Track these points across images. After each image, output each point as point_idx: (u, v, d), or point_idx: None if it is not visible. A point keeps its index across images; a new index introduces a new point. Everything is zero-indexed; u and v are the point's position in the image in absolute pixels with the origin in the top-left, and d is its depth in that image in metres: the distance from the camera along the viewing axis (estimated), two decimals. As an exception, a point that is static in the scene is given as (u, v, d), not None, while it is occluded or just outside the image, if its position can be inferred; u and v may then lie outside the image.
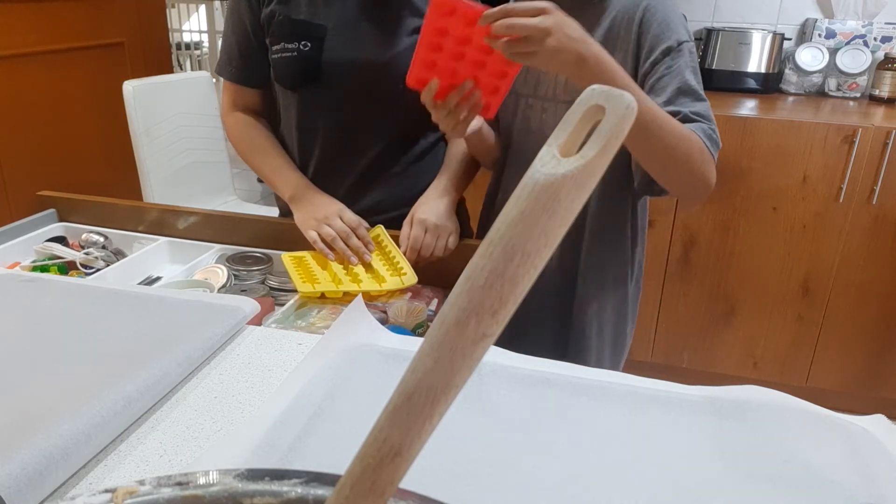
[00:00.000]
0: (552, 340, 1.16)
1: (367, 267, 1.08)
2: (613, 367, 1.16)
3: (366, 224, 1.12)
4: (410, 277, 1.04)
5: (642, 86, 0.96)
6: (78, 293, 0.87)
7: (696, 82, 0.96)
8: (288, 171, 1.18)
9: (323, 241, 1.08)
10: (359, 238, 1.09)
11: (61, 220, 1.26)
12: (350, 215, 1.11)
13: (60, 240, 1.18)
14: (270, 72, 1.18)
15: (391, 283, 1.04)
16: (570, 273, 1.12)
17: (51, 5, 2.33)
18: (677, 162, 0.91)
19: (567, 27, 0.80)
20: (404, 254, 1.08)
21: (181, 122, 2.24)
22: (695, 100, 0.95)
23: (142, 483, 0.35)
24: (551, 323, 1.15)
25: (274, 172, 1.19)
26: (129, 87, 2.07)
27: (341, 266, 1.08)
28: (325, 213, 1.10)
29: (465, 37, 0.88)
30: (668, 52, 0.95)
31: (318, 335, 0.82)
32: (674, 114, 0.93)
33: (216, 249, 1.17)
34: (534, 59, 0.81)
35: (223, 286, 1.05)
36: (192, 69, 4.32)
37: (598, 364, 1.12)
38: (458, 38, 0.88)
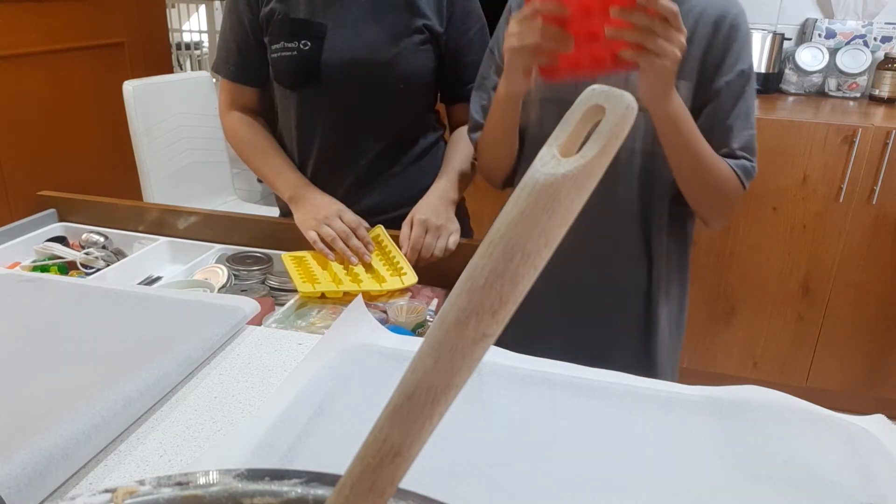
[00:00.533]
0: (632, 361, 1.11)
1: (367, 267, 1.08)
2: (672, 378, 1.14)
3: (366, 224, 1.12)
4: (410, 277, 1.04)
5: (705, 98, 0.97)
6: (78, 293, 0.87)
7: (754, 110, 0.99)
8: (287, 172, 1.18)
9: (323, 241, 1.08)
10: (359, 238, 1.09)
11: (61, 220, 1.26)
12: (350, 215, 1.11)
13: (60, 240, 1.18)
14: (269, 71, 1.18)
15: (391, 283, 1.04)
16: (642, 292, 1.10)
17: (51, 5, 2.33)
18: (709, 196, 0.99)
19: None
20: (405, 254, 1.08)
21: (181, 122, 2.24)
22: (749, 128, 0.98)
23: (142, 483, 0.35)
24: (632, 342, 1.12)
25: (273, 173, 1.19)
26: (129, 87, 2.07)
27: (341, 266, 1.08)
28: (325, 214, 1.10)
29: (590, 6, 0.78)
30: (742, 74, 0.95)
31: (318, 335, 0.82)
32: (723, 144, 0.97)
33: (216, 249, 1.17)
34: (649, 62, 0.79)
35: (223, 286, 1.05)
36: (192, 69, 4.32)
37: (665, 376, 1.08)
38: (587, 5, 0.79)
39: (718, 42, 0.95)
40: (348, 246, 1.08)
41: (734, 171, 0.97)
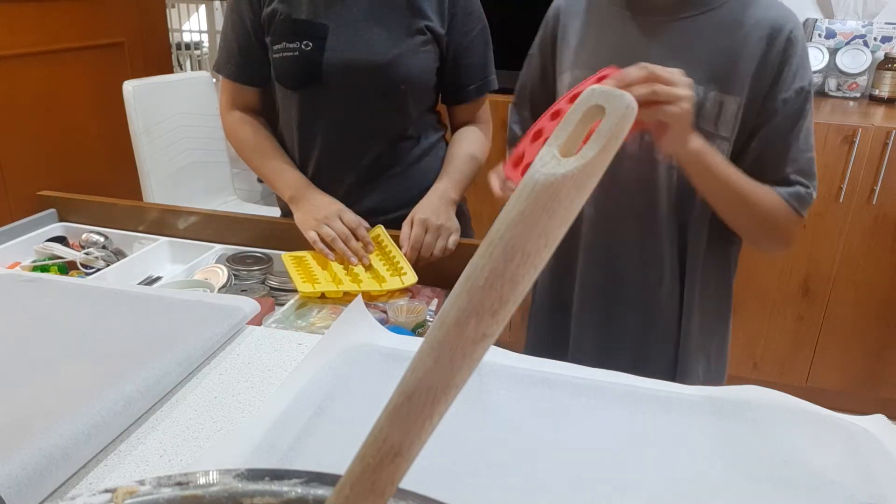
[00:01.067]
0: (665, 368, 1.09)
1: (368, 267, 1.08)
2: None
3: (366, 224, 1.12)
4: (410, 277, 1.04)
5: (759, 116, 0.92)
6: (78, 293, 0.87)
7: (812, 130, 0.94)
8: (288, 172, 1.18)
9: (323, 241, 1.08)
10: (359, 238, 1.09)
11: (61, 220, 1.26)
12: (350, 216, 1.11)
13: (60, 240, 1.18)
14: (270, 71, 1.18)
15: (391, 283, 1.04)
16: (675, 311, 1.06)
17: (51, 5, 2.33)
18: (755, 228, 0.95)
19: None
20: (405, 254, 1.08)
21: (181, 122, 2.24)
22: (807, 150, 0.93)
23: (142, 483, 0.35)
24: (662, 362, 1.09)
25: (274, 173, 1.19)
26: (129, 87, 2.08)
27: (341, 266, 1.08)
28: (325, 214, 1.10)
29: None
30: (800, 92, 0.90)
31: (319, 335, 0.82)
32: (778, 169, 0.92)
33: (216, 249, 1.17)
34: (664, 112, 0.79)
35: (223, 286, 1.05)
36: (192, 69, 4.32)
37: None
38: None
39: (773, 57, 0.89)
40: (348, 246, 1.08)
41: (786, 200, 0.91)
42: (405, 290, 1.05)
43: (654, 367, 1.06)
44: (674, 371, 1.06)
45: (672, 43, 0.93)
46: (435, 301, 1.04)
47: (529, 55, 1.10)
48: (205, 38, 4.35)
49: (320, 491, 0.35)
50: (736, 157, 0.94)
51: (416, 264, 1.07)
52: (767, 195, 0.92)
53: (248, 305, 0.85)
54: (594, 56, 0.98)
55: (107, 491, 0.34)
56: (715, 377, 1.11)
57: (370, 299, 1.02)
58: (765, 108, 0.91)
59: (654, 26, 0.95)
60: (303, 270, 1.06)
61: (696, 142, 0.85)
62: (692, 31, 0.92)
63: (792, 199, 0.92)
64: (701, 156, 0.86)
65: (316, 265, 1.08)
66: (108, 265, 1.10)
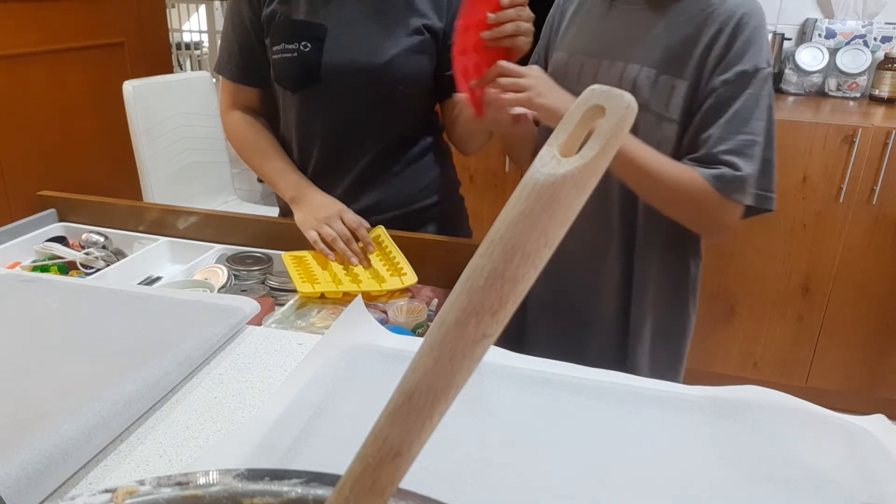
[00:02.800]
0: (612, 357, 1.12)
1: (367, 267, 1.08)
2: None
3: (366, 225, 1.12)
4: (410, 277, 1.04)
5: (703, 99, 0.93)
6: (78, 293, 0.87)
7: (758, 115, 0.91)
8: (289, 172, 1.19)
9: (323, 241, 1.08)
10: (360, 238, 1.09)
11: (61, 219, 1.26)
12: (351, 216, 1.11)
13: (61, 240, 1.18)
14: (270, 72, 1.18)
15: (391, 283, 1.04)
16: (626, 288, 1.09)
17: (51, 5, 2.33)
18: (673, 206, 0.96)
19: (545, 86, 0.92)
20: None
21: (181, 122, 2.24)
22: (743, 133, 0.91)
23: (142, 483, 0.35)
24: (610, 338, 1.12)
25: (275, 174, 1.19)
26: (129, 87, 2.07)
27: (341, 266, 1.08)
28: (326, 214, 1.10)
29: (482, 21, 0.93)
30: (741, 76, 0.91)
31: (319, 335, 0.82)
32: (701, 146, 0.93)
33: (216, 249, 1.17)
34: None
35: (223, 286, 1.05)
36: (192, 69, 4.32)
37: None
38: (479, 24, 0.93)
39: (720, 41, 0.92)
40: (349, 247, 1.08)
41: (707, 179, 0.91)
42: (405, 291, 1.05)
43: (601, 357, 1.10)
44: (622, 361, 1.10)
45: (640, 31, 0.98)
46: (435, 301, 1.04)
47: (542, 31, 1.15)
48: (205, 38, 4.35)
49: (320, 491, 0.35)
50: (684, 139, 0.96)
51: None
52: (683, 173, 0.92)
53: (248, 305, 0.85)
54: (574, 40, 1.06)
55: (107, 491, 0.34)
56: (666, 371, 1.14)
57: (370, 299, 1.01)
58: (704, 89, 0.93)
59: (630, 15, 1.01)
60: (303, 270, 1.06)
61: None
62: (661, 20, 0.96)
63: (714, 180, 0.91)
64: None
65: (316, 265, 1.08)
66: (108, 265, 1.10)
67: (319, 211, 1.11)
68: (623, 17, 1.01)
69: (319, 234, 1.08)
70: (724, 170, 0.91)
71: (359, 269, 1.07)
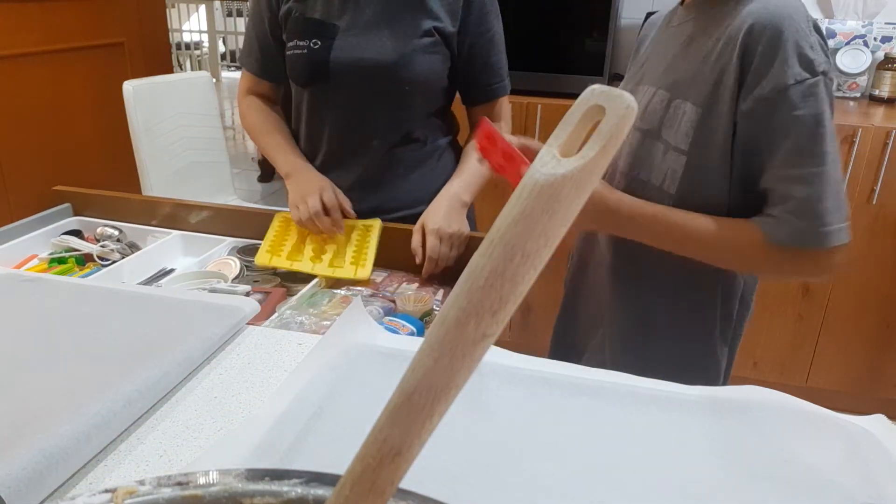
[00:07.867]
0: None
1: (338, 252, 1.11)
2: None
3: (348, 208, 1.13)
4: (363, 273, 1.07)
5: (746, 125, 0.80)
6: (78, 293, 0.87)
7: (814, 139, 0.76)
8: (288, 151, 1.22)
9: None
10: (332, 219, 1.11)
11: (76, 214, 1.28)
12: (329, 195, 1.12)
13: (76, 233, 1.21)
14: (285, 68, 1.21)
15: (345, 271, 1.08)
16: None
17: (51, 5, 2.33)
18: (714, 261, 0.87)
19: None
20: (419, 264, 1.08)
21: (181, 122, 2.24)
22: (812, 165, 0.76)
23: (142, 483, 0.35)
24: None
25: (276, 150, 1.22)
26: (129, 87, 2.07)
27: (317, 243, 1.12)
28: (307, 191, 1.12)
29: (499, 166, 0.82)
30: (780, 90, 0.76)
31: (318, 335, 0.82)
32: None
33: (228, 242, 1.19)
34: None
35: (236, 277, 1.07)
36: (192, 69, 4.32)
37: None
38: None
39: (744, 54, 0.78)
40: (318, 224, 1.10)
41: (748, 232, 0.80)
42: (411, 280, 1.08)
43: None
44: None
45: (673, 52, 0.91)
46: (441, 291, 1.05)
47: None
48: (205, 38, 4.35)
49: (320, 491, 0.35)
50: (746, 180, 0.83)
51: (430, 273, 1.09)
52: (720, 230, 0.82)
53: (249, 306, 0.85)
54: (634, 67, 1.03)
55: (107, 491, 0.34)
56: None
57: (374, 287, 1.06)
58: (749, 111, 0.79)
59: (667, 34, 0.96)
60: (278, 237, 1.12)
61: (607, 214, 0.86)
62: (687, 37, 0.90)
63: (765, 226, 0.80)
64: (613, 217, 0.86)
65: (295, 235, 1.13)
66: (124, 257, 1.11)
67: (304, 187, 1.13)
68: (663, 38, 0.97)
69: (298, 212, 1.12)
70: (793, 217, 0.78)
71: (329, 251, 1.11)
